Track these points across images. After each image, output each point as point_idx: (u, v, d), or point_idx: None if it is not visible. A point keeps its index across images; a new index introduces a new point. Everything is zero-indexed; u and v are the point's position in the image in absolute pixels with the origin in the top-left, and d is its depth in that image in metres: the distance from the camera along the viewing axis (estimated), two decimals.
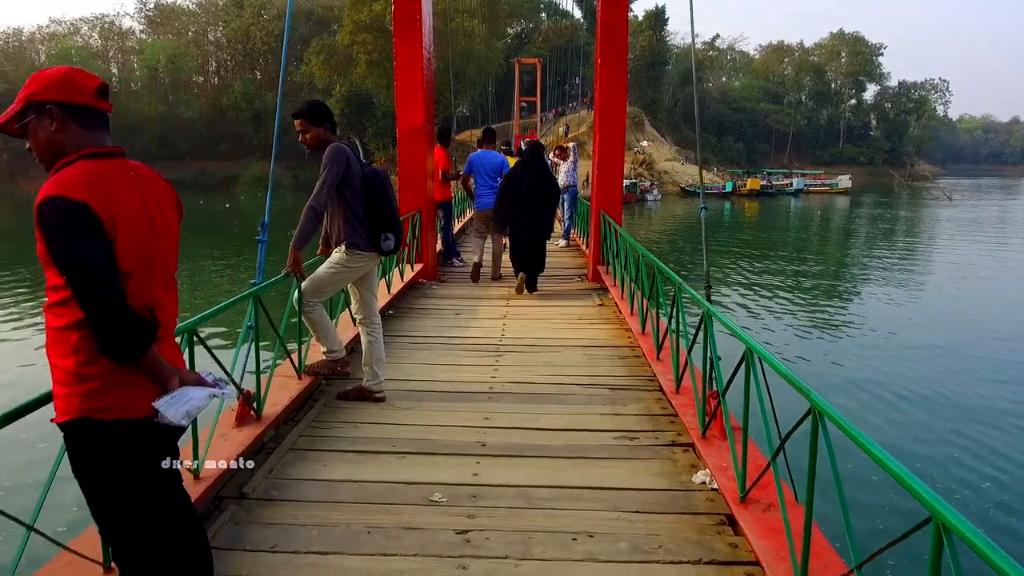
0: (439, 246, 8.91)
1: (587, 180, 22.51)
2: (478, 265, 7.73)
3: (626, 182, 34.44)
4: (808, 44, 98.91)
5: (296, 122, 3.64)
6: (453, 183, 9.66)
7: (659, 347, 4.39)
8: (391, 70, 7.49)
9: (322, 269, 3.80)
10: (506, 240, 7.41)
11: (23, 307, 11.61)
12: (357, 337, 4.18)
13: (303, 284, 3.72)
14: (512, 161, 10.01)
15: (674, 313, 3.97)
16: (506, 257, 7.67)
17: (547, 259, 7.32)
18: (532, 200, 6.79)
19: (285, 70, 4.25)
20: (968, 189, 65.19)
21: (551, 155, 11.36)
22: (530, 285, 7.06)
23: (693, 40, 3.90)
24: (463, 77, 49.73)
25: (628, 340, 5.26)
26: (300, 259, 3.63)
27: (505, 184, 7.07)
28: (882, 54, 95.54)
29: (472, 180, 8.15)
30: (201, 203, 42.88)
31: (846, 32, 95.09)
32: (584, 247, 10.55)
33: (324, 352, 3.97)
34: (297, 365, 3.90)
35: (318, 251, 4.05)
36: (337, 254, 3.78)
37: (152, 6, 71.35)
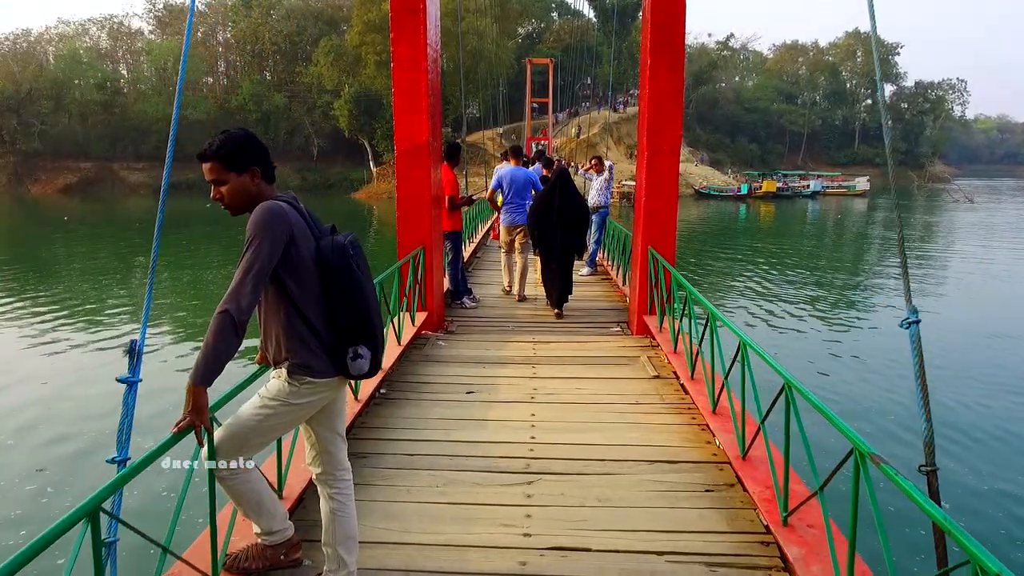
0: (446, 284, 7.46)
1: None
2: (508, 291, 8.13)
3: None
4: (823, 43, 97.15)
5: (204, 167, 2.14)
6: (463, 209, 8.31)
7: (787, 510, 2.80)
8: None
9: (249, 408, 2.27)
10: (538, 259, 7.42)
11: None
12: (311, 486, 2.69)
13: (217, 436, 2.22)
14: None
15: (858, 488, 2.16)
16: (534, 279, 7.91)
17: (575, 292, 7.40)
18: (562, 220, 6.76)
19: (185, 69, 2.80)
20: (985, 191, 63.27)
21: (583, 167, 10.27)
22: (557, 304, 7.13)
23: (876, 48, 2.41)
24: (473, 77, 48.49)
25: (711, 453, 3.72)
26: (205, 404, 2.06)
27: (534, 208, 7.06)
28: (899, 53, 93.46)
29: (497, 195, 7.97)
30: (208, 207, 41.67)
31: (861, 31, 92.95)
32: (616, 278, 9.09)
33: (259, 534, 2.47)
34: (208, 565, 2.31)
35: (256, 359, 2.58)
36: (276, 381, 2.26)
37: (161, 6, 70.50)
